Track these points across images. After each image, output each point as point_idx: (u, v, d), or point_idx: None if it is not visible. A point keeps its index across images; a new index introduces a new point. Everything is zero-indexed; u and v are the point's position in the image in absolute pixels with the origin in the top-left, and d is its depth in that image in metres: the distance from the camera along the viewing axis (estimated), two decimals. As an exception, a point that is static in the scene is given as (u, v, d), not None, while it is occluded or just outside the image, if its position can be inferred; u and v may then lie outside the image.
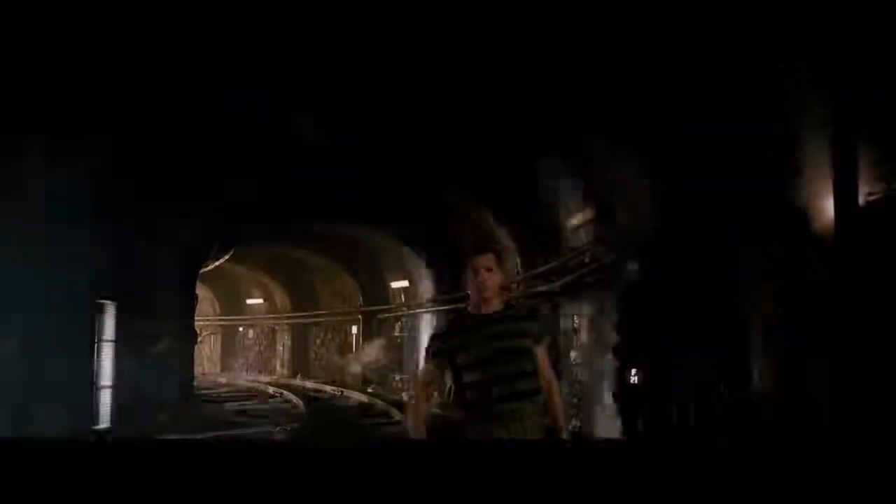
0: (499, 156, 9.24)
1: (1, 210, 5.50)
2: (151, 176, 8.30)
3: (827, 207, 3.24)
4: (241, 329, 25.01)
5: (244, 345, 24.87)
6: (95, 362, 7.38)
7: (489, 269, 2.89)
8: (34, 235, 5.87)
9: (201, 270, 14.02)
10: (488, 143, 8.69)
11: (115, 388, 7.86)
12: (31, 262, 5.86)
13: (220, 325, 25.04)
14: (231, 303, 24.67)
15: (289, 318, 22.17)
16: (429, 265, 15.05)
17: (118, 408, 7.86)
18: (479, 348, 2.79)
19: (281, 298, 22.68)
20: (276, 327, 23.06)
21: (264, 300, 23.73)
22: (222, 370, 24.19)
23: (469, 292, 2.96)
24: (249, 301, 24.31)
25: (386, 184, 11.92)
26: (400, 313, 16.97)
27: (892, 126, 3.01)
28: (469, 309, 2.98)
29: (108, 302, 7.73)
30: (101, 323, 7.59)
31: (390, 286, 17.41)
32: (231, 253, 14.37)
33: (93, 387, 7.32)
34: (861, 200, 3.22)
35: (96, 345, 7.39)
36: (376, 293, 17.92)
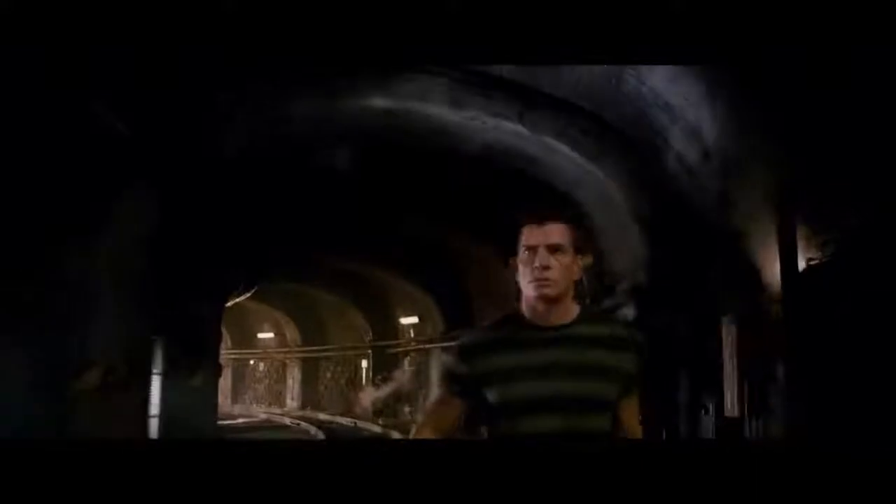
0: (501, 195, 10.16)
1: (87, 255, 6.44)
2: (189, 218, 9.23)
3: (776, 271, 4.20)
4: (251, 362, 25.76)
5: (255, 377, 25.61)
6: (148, 393, 8.23)
7: (555, 249, 1.74)
8: (109, 274, 6.82)
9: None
10: (489, 183, 9.60)
11: (161, 417, 8.69)
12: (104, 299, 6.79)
13: (232, 359, 25.80)
14: (242, 337, 25.46)
15: (299, 351, 22.96)
16: (437, 302, 15.92)
17: (162, 436, 8.68)
18: (525, 384, 1.72)
19: (291, 333, 23.48)
20: (287, 361, 23.83)
21: (275, 334, 24.52)
22: (233, 403, 24.87)
23: (521, 285, 1.80)
24: (260, 335, 25.10)
25: (392, 221, 12.81)
26: (409, 348, 17.79)
27: (821, 208, 3.97)
28: (522, 314, 1.81)
29: (158, 337, 8.60)
30: (153, 357, 8.46)
31: (400, 322, 18.25)
32: (254, 290, 15.22)
33: (146, 416, 8.16)
34: (803, 265, 4.15)
35: (150, 377, 8.26)
36: (386, 328, 18.75)
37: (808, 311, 4.15)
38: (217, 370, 13.38)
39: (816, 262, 4.08)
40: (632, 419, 1.86)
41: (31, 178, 5.63)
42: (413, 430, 1.93)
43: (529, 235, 1.78)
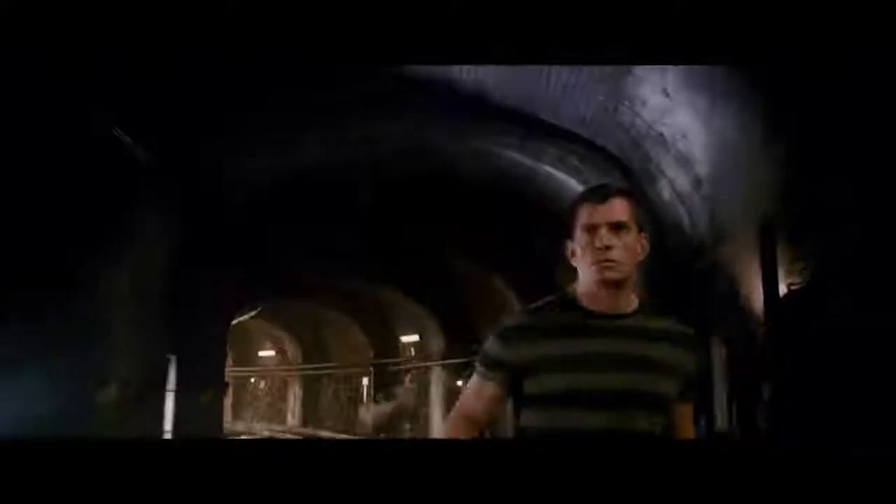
0: (501, 218, 10.52)
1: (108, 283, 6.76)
2: (197, 240, 9.57)
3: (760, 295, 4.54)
4: (252, 380, 25.97)
5: (255, 395, 25.81)
6: (163, 410, 8.52)
7: (618, 227, 1.62)
8: (128, 296, 7.13)
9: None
10: (491, 206, 9.97)
11: (174, 432, 8.96)
12: (121, 319, 7.10)
13: (233, 376, 25.97)
14: (244, 355, 25.66)
15: (300, 369, 23.20)
16: (438, 320, 16.21)
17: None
18: (576, 374, 1.57)
19: (293, 350, 23.72)
20: (288, 379, 24.06)
21: (276, 352, 24.76)
22: (234, 419, 25.02)
23: (580, 270, 1.66)
24: (262, 353, 25.33)
25: (395, 241, 13.16)
26: (410, 366, 18.06)
27: (799, 237, 4.32)
28: (578, 299, 1.66)
29: (172, 356, 8.90)
30: (167, 375, 8.75)
31: (401, 340, 18.53)
32: (258, 310, 15.52)
33: (160, 431, 8.44)
34: (784, 289, 4.49)
35: (165, 394, 8.55)
36: (387, 346, 19.01)
37: (790, 332, 4.47)
38: (223, 388, 13.69)
39: (797, 287, 4.41)
40: (687, 425, 1.70)
41: (52, 203, 5.96)
42: (445, 425, 1.75)
43: (589, 214, 1.63)
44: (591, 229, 1.62)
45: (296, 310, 20.28)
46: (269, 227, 11.03)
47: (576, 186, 7.61)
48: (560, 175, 7.62)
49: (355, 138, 8.14)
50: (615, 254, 1.60)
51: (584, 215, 1.64)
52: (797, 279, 4.41)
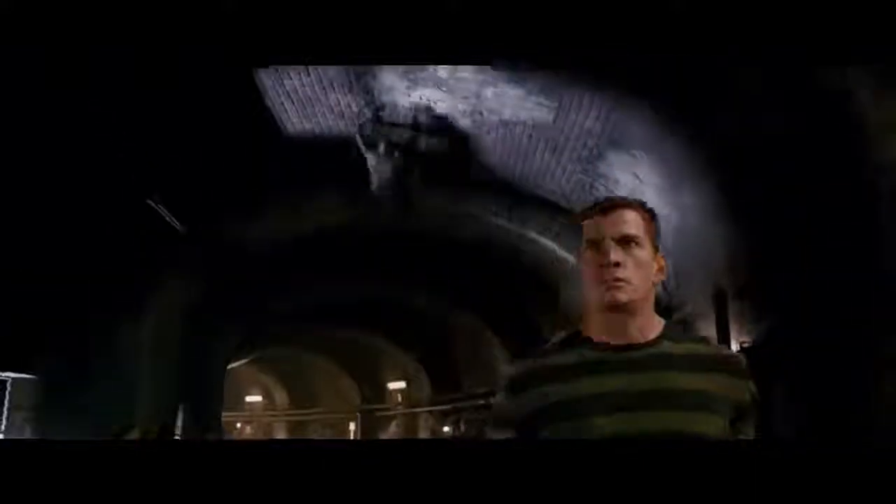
0: (488, 274, 11.27)
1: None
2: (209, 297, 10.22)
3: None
4: (238, 425, 26.19)
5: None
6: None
7: (627, 241, 1.41)
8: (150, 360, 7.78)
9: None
10: (478, 264, 10.72)
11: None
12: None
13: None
14: (230, 400, 25.83)
15: (287, 414, 23.54)
16: (425, 367, 16.79)
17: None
18: (600, 419, 1.33)
19: (280, 396, 24.07)
20: (274, 424, 24.37)
21: (263, 397, 25.09)
22: (219, 466, 25.05)
23: (585, 294, 1.45)
24: (248, 398, 25.62)
25: (385, 292, 13.80)
26: (396, 412, 18.57)
27: (747, 305, 5.16)
28: (589, 332, 1.45)
29: (181, 404, 9.50)
30: (177, 421, 9.34)
31: (388, 386, 19.06)
32: (250, 357, 16.05)
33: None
34: (737, 346, 5.31)
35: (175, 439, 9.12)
36: (374, 392, 19.51)
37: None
38: (220, 433, 14.18)
39: (747, 344, 5.24)
40: None
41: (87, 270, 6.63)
42: None
43: (592, 227, 1.43)
44: (595, 245, 1.41)
45: (284, 356, 20.70)
46: (267, 281, 11.62)
47: (557, 250, 8.45)
48: (543, 240, 8.46)
49: (358, 203, 8.86)
50: (623, 272, 1.38)
51: (588, 229, 1.44)
52: (746, 338, 5.24)
